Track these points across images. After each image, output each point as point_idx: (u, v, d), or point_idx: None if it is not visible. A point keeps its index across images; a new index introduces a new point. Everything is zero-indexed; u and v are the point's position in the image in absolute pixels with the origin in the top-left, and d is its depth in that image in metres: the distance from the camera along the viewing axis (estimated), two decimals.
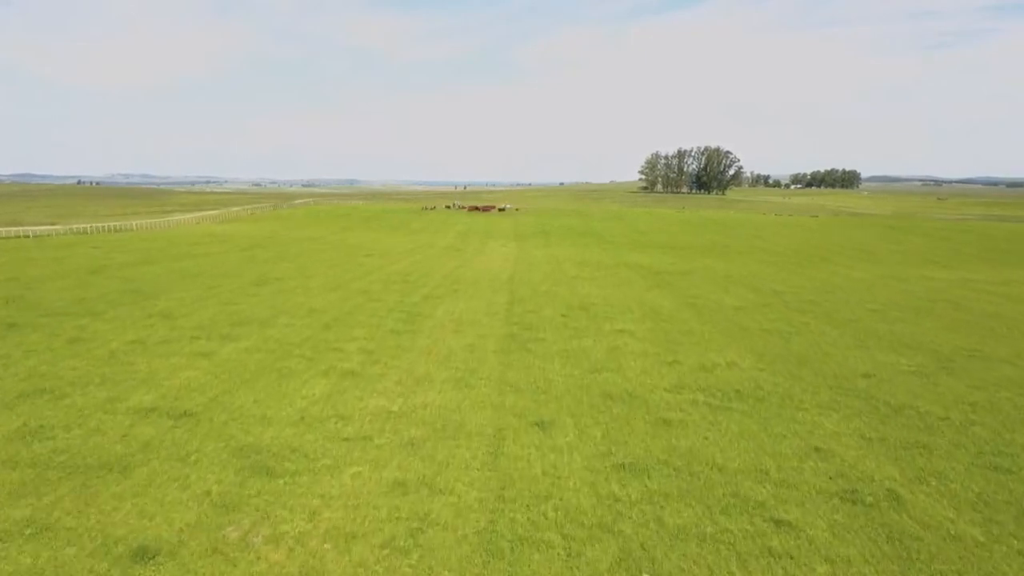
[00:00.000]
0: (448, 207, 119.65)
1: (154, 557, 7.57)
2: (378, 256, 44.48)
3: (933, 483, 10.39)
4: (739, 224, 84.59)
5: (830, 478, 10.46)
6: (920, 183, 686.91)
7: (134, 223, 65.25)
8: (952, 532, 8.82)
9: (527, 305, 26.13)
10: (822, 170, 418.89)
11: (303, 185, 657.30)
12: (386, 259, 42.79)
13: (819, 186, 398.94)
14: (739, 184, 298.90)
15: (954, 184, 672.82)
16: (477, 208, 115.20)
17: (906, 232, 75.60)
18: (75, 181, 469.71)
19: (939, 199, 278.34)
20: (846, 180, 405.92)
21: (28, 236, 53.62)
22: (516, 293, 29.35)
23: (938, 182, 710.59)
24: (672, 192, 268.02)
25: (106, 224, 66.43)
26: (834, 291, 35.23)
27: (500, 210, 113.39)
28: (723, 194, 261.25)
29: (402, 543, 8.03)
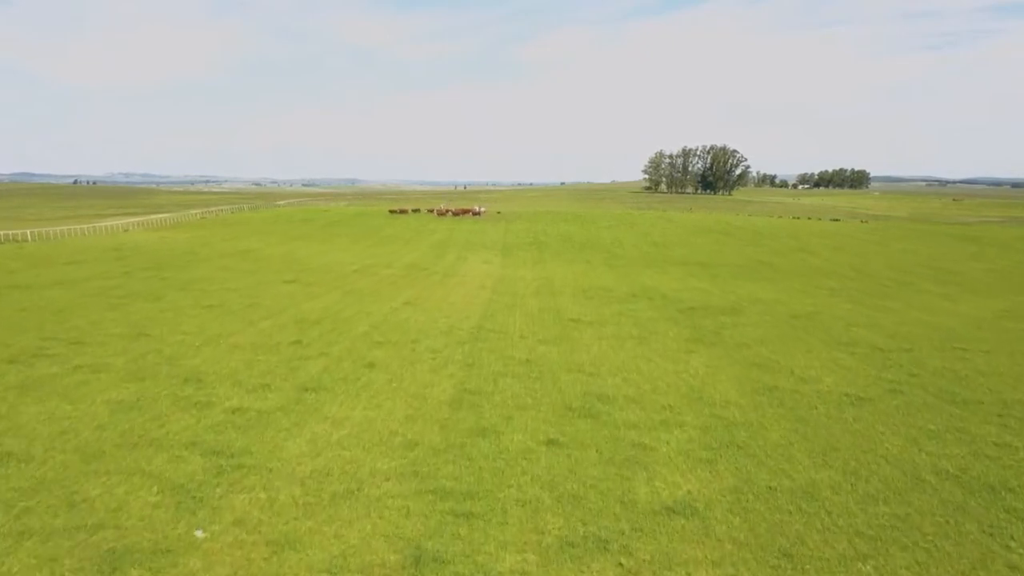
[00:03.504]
0: (416, 210, 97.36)
1: None
2: (303, 282, 32.49)
3: None
4: (773, 232, 72.11)
5: None
6: (925, 183, 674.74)
7: (32, 231, 53.11)
8: None
9: (486, 407, 14.20)
10: (830, 170, 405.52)
11: (303, 184, 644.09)
12: (310, 288, 30.83)
13: (827, 186, 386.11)
14: (744, 184, 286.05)
15: (958, 184, 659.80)
16: (451, 211, 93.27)
17: (978, 242, 63.23)
18: (72, 180, 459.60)
19: (955, 200, 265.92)
20: (855, 180, 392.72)
21: None
22: (475, 368, 17.43)
23: (942, 182, 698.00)
24: (677, 192, 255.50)
25: (9, 232, 54.40)
26: (962, 344, 23.25)
27: (475, 214, 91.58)
28: (730, 194, 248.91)
29: None
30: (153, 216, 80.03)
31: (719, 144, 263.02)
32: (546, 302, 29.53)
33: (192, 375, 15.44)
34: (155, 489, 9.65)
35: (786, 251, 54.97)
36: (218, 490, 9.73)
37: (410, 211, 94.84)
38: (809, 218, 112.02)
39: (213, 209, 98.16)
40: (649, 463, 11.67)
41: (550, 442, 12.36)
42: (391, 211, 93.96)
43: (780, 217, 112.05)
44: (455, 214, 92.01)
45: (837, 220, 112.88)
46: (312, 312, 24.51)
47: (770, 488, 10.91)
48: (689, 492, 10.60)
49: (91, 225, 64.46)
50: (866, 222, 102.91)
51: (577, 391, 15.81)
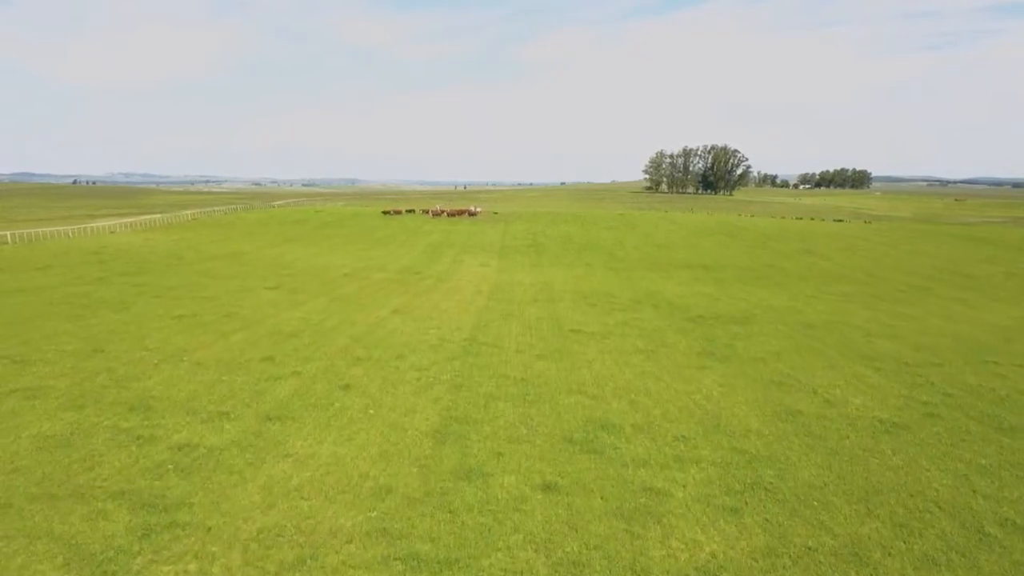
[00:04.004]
0: (410, 211, 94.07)
1: None
2: (287, 288, 30.70)
3: None
4: (778, 233, 70.25)
5: None
6: (926, 183, 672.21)
7: (14, 233, 51.19)
8: None
9: (474, 440, 12.43)
10: (831, 170, 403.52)
11: (303, 184, 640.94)
12: (295, 294, 29.04)
13: (828, 186, 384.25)
14: (745, 184, 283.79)
15: (959, 184, 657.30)
16: (446, 212, 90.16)
17: (989, 244, 61.34)
18: (71, 181, 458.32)
19: (956, 200, 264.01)
20: (857, 180, 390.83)
21: None
22: (464, 390, 15.65)
23: (943, 182, 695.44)
24: (678, 192, 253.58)
25: None
26: (994, 358, 21.50)
27: (471, 214, 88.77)
28: (731, 194, 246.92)
29: None
30: (144, 217, 78.20)
31: (720, 144, 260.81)
32: (545, 310, 27.75)
33: (141, 401, 13.64)
34: (60, 560, 7.87)
35: (793, 253, 53.13)
36: (138, 560, 7.95)
37: (404, 212, 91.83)
38: (812, 219, 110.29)
39: (206, 210, 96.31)
40: (663, 514, 9.88)
41: (547, 487, 10.58)
42: (384, 212, 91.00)
43: (783, 217, 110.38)
44: (450, 215, 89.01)
45: (841, 221, 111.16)
46: (291, 322, 22.72)
47: (809, 548, 9.14)
48: (713, 554, 8.83)
49: (79, 226, 62.65)
50: (870, 223, 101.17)
51: (578, 418, 14.04)
